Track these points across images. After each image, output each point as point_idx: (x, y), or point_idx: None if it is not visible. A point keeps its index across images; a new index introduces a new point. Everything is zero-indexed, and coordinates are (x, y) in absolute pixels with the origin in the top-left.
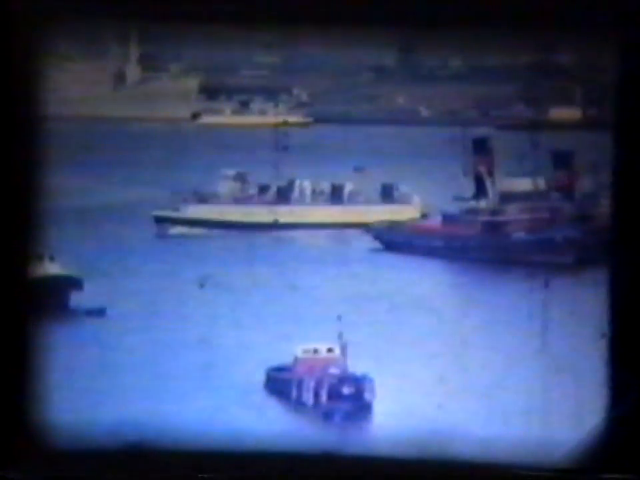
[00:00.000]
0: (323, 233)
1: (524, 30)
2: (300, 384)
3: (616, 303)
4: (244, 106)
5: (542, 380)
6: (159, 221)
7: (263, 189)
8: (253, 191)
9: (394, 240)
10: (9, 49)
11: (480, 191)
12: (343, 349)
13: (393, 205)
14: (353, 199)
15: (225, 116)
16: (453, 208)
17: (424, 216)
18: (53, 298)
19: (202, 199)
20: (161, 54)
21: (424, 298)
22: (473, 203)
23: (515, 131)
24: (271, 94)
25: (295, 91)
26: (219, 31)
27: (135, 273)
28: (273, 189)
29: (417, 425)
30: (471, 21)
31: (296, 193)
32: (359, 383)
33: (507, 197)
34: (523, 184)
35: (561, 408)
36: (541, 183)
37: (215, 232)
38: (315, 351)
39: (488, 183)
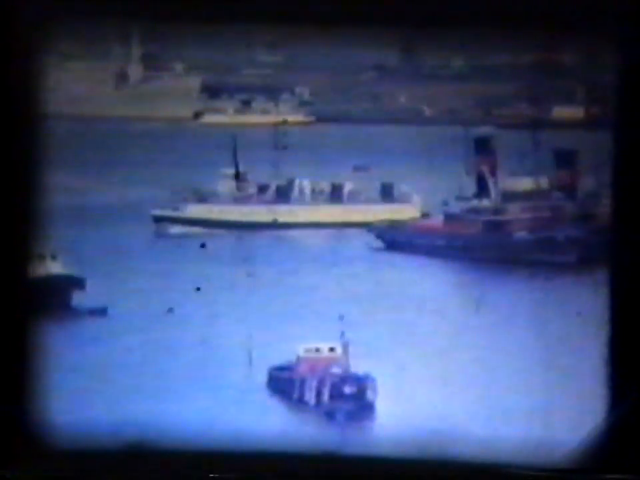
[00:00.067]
0: (323, 232)
1: (526, 29)
2: (302, 383)
3: (618, 303)
4: (246, 105)
5: (542, 380)
6: (158, 220)
7: (262, 188)
8: (252, 190)
9: (395, 239)
10: (9, 48)
11: (482, 190)
12: (345, 348)
13: (393, 204)
14: (353, 198)
15: (227, 115)
16: (455, 207)
17: (424, 215)
18: (54, 297)
19: (201, 198)
20: (163, 53)
21: (426, 297)
22: (475, 202)
23: (517, 130)
24: (272, 93)
25: (297, 90)
26: (220, 30)
27: (136, 273)
28: (272, 188)
29: (418, 425)
30: (473, 19)
31: (295, 193)
32: (361, 383)
33: (509, 196)
34: (525, 183)
35: (562, 408)
36: (544, 182)
37: (215, 231)
38: (317, 350)
39: (490, 182)
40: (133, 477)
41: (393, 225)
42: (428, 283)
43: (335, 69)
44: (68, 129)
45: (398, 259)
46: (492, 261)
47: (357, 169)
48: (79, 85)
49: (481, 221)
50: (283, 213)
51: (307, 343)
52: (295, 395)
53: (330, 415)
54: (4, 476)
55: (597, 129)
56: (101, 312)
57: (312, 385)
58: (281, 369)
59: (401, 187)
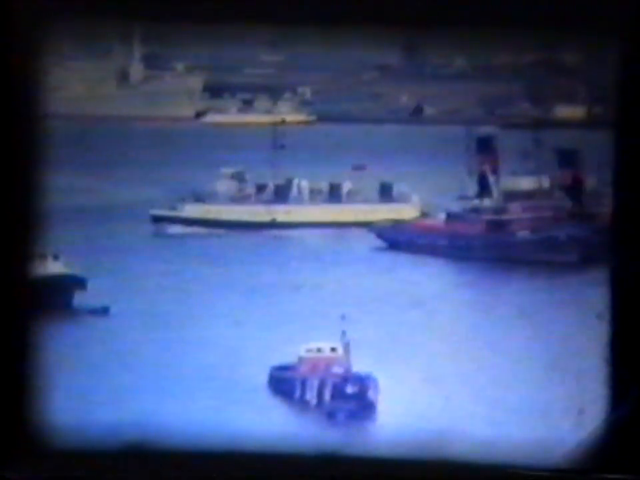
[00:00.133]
0: (325, 232)
1: (528, 28)
2: (303, 383)
3: (619, 302)
4: (248, 104)
5: (543, 380)
6: (156, 220)
7: (261, 188)
8: (250, 189)
9: (397, 239)
10: (12, 47)
11: (484, 190)
12: (347, 348)
13: (392, 204)
14: (352, 198)
15: (229, 114)
16: (456, 206)
17: (424, 215)
18: (56, 297)
19: (199, 197)
20: (164, 53)
21: (427, 297)
22: (476, 202)
23: (519, 130)
24: (274, 92)
25: (299, 90)
26: (222, 30)
27: (138, 272)
28: (271, 188)
29: (418, 425)
30: (475, 19)
31: (294, 192)
32: (363, 382)
33: (510, 196)
34: (527, 182)
35: (562, 408)
36: (545, 182)
37: (216, 231)
38: (319, 350)
39: (492, 182)
40: (132, 477)
41: (395, 225)
42: (430, 283)
43: (336, 68)
44: (70, 128)
45: (400, 258)
46: (494, 260)
47: (355, 168)
48: (80, 84)
49: (482, 220)
50: (281, 212)
51: (309, 343)
52: (297, 395)
53: (331, 415)
54: (4, 476)
55: (599, 128)
56: (102, 312)
57: (313, 384)
58: (282, 368)
59: (400, 187)
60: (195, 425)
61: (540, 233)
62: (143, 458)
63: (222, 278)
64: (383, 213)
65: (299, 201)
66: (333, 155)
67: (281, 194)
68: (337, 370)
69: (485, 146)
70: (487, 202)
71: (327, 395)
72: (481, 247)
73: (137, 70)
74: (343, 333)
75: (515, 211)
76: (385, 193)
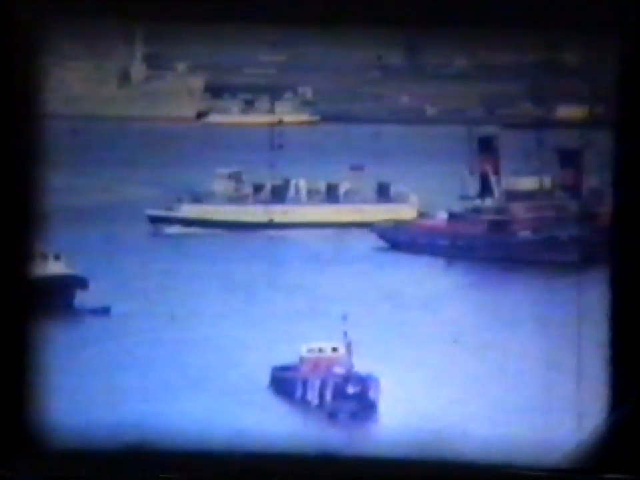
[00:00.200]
0: (324, 232)
1: (530, 28)
2: (305, 383)
3: (620, 302)
4: (249, 104)
5: (543, 380)
6: (153, 220)
7: (258, 188)
8: (247, 190)
9: (399, 239)
10: (12, 47)
11: (485, 190)
12: (348, 348)
13: (390, 204)
14: (349, 198)
15: (231, 115)
16: (458, 207)
17: (422, 215)
18: (57, 297)
19: (196, 198)
20: (165, 52)
21: (429, 297)
22: (478, 202)
23: (521, 130)
24: (275, 93)
25: (300, 90)
26: (223, 30)
27: (138, 273)
28: (268, 188)
29: (419, 425)
30: (477, 19)
31: (291, 192)
32: (364, 383)
33: (512, 196)
34: (529, 182)
35: (562, 408)
36: (547, 182)
37: (214, 231)
38: (320, 350)
39: (493, 182)
40: (132, 477)
41: (396, 225)
42: (431, 283)
43: (337, 68)
44: (70, 128)
45: (401, 258)
46: (496, 261)
47: (353, 168)
48: (81, 84)
49: (484, 220)
50: (279, 212)
51: (310, 343)
52: (298, 395)
53: (333, 415)
54: (4, 476)
55: (602, 128)
56: (103, 312)
57: (315, 384)
58: (284, 369)
59: (398, 187)
60: (195, 425)
61: (542, 232)
62: (143, 458)
63: (222, 278)
64: (380, 213)
65: (297, 201)
66: (332, 156)
67: (279, 194)
68: (339, 370)
69: (486, 146)
70: (488, 202)
71: (329, 395)
72: (483, 247)
73: (138, 70)
74: (345, 333)
75: (517, 211)
76: (383, 193)
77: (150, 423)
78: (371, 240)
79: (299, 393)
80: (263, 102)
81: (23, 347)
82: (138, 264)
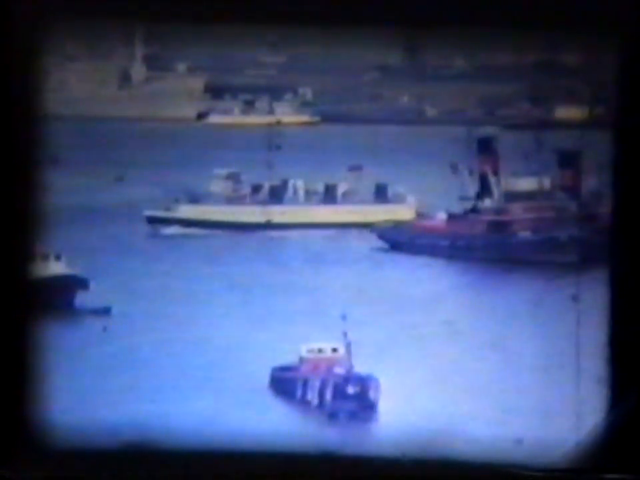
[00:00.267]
0: (323, 232)
1: (529, 29)
2: (305, 383)
3: (619, 302)
4: (249, 105)
5: (542, 380)
6: (151, 221)
7: (256, 189)
8: (245, 190)
9: (398, 239)
10: (14, 48)
11: (485, 191)
12: (348, 348)
13: (387, 204)
14: (348, 198)
15: (231, 115)
16: (457, 207)
17: (419, 215)
18: (58, 297)
19: (194, 198)
20: (166, 53)
21: (428, 297)
22: (477, 203)
23: (520, 130)
24: (275, 93)
25: (300, 91)
26: (223, 31)
27: (139, 273)
28: (266, 189)
29: (419, 425)
30: (476, 20)
31: (289, 193)
32: (364, 383)
33: (511, 197)
34: (528, 183)
35: (561, 408)
36: (546, 183)
37: (213, 231)
38: (320, 350)
39: (493, 183)
40: (132, 477)
41: (396, 226)
42: (431, 283)
43: (337, 69)
44: (72, 129)
45: (401, 259)
46: (494, 261)
47: (352, 169)
48: (82, 85)
49: (483, 220)
50: (277, 213)
51: (310, 344)
52: (298, 395)
53: (333, 415)
54: (4, 476)
55: (600, 129)
56: (104, 312)
57: (315, 385)
58: (284, 369)
59: (396, 188)
60: (195, 425)
61: (541, 233)
62: (143, 458)
63: (222, 278)
64: (378, 213)
65: (295, 201)
66: (331, 156)
67: (277, 195)
68: (338, 370)
69: (485, 147)
70: (487, 202)
71: (329, 395)
72: (482, 248)
73: (138, 71)
74: (344, 333)
75: (516, 211)
76: (381, 194)
77: (150, 423)
78: (371, 240)
79: (299, 393)
80: (263, 103)
81: (24, 347)
82: (138, 264)
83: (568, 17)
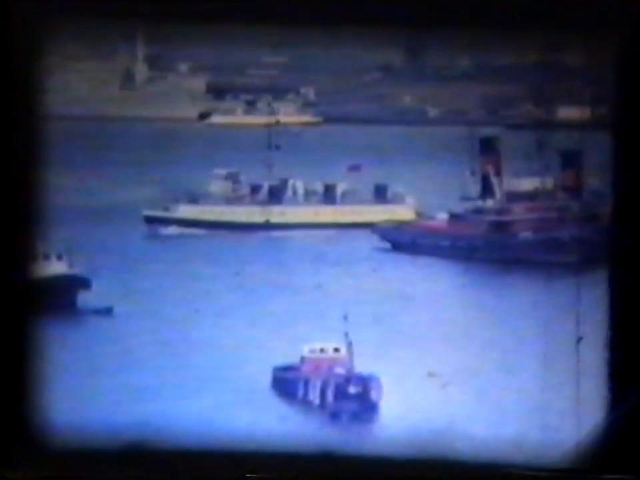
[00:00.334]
0: (324, 232)
1: (531, 29)
2: (306, 383)
3: (619, 302)
4: (251, 105)
5: (542, 380)
6: (150, 221)
7: (255, 189)
8: (245, 190)
9: (400, 239)
10: (15, 48)
11: (487, 191)
12: (349, 348)
13: (387, 205)
14: (347, 198)
15: (234, 116)
16: (459, 207)
17: (419, 215)
18: (60, 297)
19: (193, 198)
20: (168, 53)
21: (430, 297)
22: (479, 203)
23: (522, 131)
24: (277, 94)
25: (302, 91)
26: (226, 31)
27: (139, 273)
28: (265, 189)
29: (419, 425)
30: (479, 20)
31: (288, 193)
32: (366, 383)
33: (513, 197)
34: (530, 183)
35: (561, 408)
36: (549, 183)
37: (213, 231)
38: (322, 350)
39: (495, 183)
40: (132, 477)
41: (398, 225)
42: (432, 283)
43: (339, 69)
44: (75, 129)
45: (402, 259)
46: (496, 261)
47: (351, 169)
48: (83, 85)
49: (485, 221)
50: (276, 213)
51: (311, 343)
52: (299, 395)
53: (334, 415)
54: (4, 476)
55: (603, 129)
56: (106, 312)
57: (316, 385)
58: (285, 369)
59: (396, 188)
60: (196, 425)
61: (543, 233)
62: (143, 458)
63: (222, 278)
64: (378, 214)
65: (294, 201)
66: (331, 156)
67: (276, 195)
68: (340, 370)
69: (487, 147)
70: (489, 203)
71: (330, 395)
72: (484, 248)
73: (140, 71)
74: (346, 333)
75: (518, 211)
76: (380, 194)
77: (150, 423)
78: (372, 240)
79: (300, 393)
80: (265, 103)
81: (24, 347)
82: (138, 264)
83: (570, 17)
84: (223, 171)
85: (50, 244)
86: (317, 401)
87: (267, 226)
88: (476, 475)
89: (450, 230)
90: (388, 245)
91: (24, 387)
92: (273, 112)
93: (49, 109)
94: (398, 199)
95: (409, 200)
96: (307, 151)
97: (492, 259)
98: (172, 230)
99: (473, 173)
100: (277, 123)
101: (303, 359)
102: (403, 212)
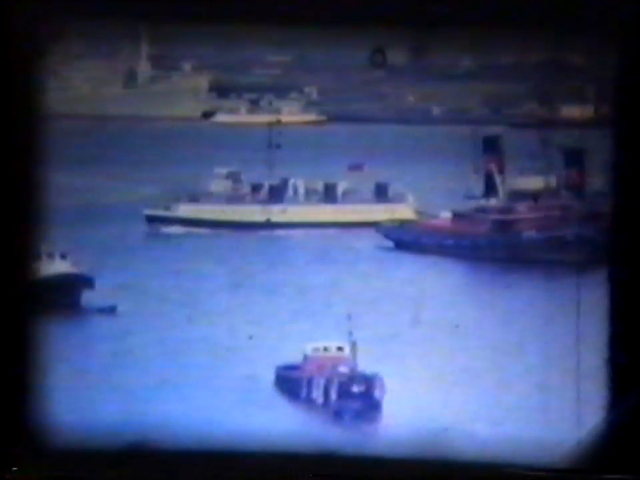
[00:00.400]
0: (330, 231)
1: (535, 28)
2: (310, 382)
3: (621, 302)
4: (254, 104)
5: (543, 380)
6: (151, 220)
7: (256, 188)
8: (245, 189)
9: (403, 238)
10: (18, 47)
11: (490, 189)
12: (353, 347)
13: (388, 204)
14: (348, 197)
15: (237, 115)
16: (461, 206)
17: (419, 214)
18: (63, 296)
19: (194, 197)
20: (171, 53)
21: (433, 296)
22: (483, 202)
23: (526, 129)
24: (281, 92)
25: (306, 90)
26: (229, 30)
27: (141, 272)
28: (266, 188)
29: (420, 425)
30: (482, 19)
31: (289, 192)
32: (369, 382)
33: (517, 195)
34: (534, 182)
35: (561, 408)
36: (552, 181)
37: (215, 230)
38: (325, 349)
39: (498, 181)
40: (133, 477)
41: (401, 224)
42: (436, 283)
43: (343, 68)
44: (78, 128)
45: (406, 258)
46: (500, 260)
47: (352, 168)
48: (86, 84)
49: (488, 220)
50: (276, 212)
51: (315, 342)
52: (303, 394)
53: (337, 414)
54: (4, 476)
55: (606, 128)
56: (110, 310)
57: (320, 383)
58: (289, 367)
59: (397, 187)
60: (199, 424)
61: (546, 232)
62: (144, 458)
63: (226, 278)
64: (378, 213)
65: (294, 201)
66: (333, 155)
67: (277, 194)
68: (343, 369)
69: (491, 145)
70: (493, 201)
71: (333, 394)
72: (487, 247)
73: (143, 70)
74: (349, 332)
75: (521, 210)
76: (381, 193)
77: (151, 423)
78: (376, 239)
79: (303, 391)
80: (269, 102)
81: (25, 346)
82: (139, 264)
83: (574, 16)
84: (223, 170)
85: (53, 243)
86: (320, 400)
87: (268, 225)
88: (476, 474)
89: (453, 229)
90: (391, 244)
91: (25, 386)
92: (277, 110)
93: (52, 108)
94: (399, 198)
95: (410, 199)
96: (308, 150)
97: (495, 258)
98: (173, 229)
99: (476, 172)
100: (278, 122)
101: (306, 358)
102: (403, 211)
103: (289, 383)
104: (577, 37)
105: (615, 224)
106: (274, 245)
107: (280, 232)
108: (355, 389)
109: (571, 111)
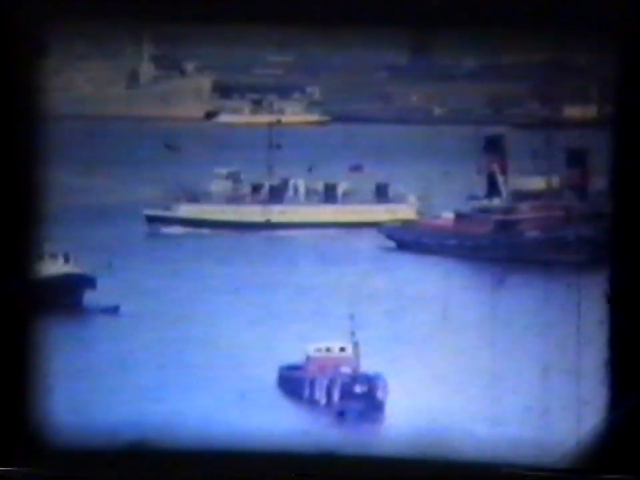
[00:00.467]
0: (331, 231)
1: (538, 28)
2: (312, 383)
3: (621, 302)
4: (257, 105)
5: (543, 380)
6: (151, 220)
7: (256, 188)
8: (246, 190)
9: (405, 238)
10: (21, 47)
11: (493, 190)
12: (356, 347)
13: (388, 204)
14: (348, 198)
15: (239, 115)
16: (464, 206)
17: (421, 214)
18: (66, 296)
19: (193, 198)
20: (173, 53)
21: (436, 297)
22: (485, 202)
23: (529, 129)
24: (283, 93)
25: (308, 90)
26: (232, 30)
27: (142, 272)
28: (266, 188)
29: (420, 425)
30: (485, 19)
31: (289, 192)
32: (372, 382)
33: (519, 196)
34: (537, 182)
35: (561, 408)
36: (555, 182)
37: (216, 231)
38: (328, 349)
39: (501, 182)
40: (133, 477)
41: (403, 225)
42: (438, 283)
43: (345, 69)
44: (80, 128)
45: (408, 258)
46: (502, 260)
47: (353, 169)
48: (89, 84)
49: (491, 220)
50: (276, 213)
51: (317, 343)
52: (305, 395)
53: (340, 415)
54: (4, 476)
55: (608, 128)
56: (113, 310)
57: (322, 384)
58: (291, 368)
59: (397, 187)
60: (200, 424)
61: (549, 232)
62: (143, 458)
63: (226, 278)
64: (379, 213)
65: (295, 201)
66: (334, 156)
67: (277, 194)
68: (346, 369)
69: (493, 146)
70: (495, 202)
71: (336, 395)
72: (490, 247)
73: (146, 70)
74: (352, 332)
75: (524, 210)
76: (381, 193)
77: (151, 423)
78: (377, 239)
79: (306, 392)
80: (271, 102)
81: (30, 346)
82: (141, 264)
83: (576, 16)
84: (223, 170)
85: (55, 243)
86: (322, 401)
87: (268, 225)
88: (476, 474)
89: (456, 229)
90: (393, 244)
91: (26, 387)
92: (280, 111)
93: (54, 108)
94: (400, 199)
95: (411, 199)
96: (309, 151)
97: (498, 258)
98: (173, 229)
99: (478, 172)
100: (279, 122)
101: (308, 359)
102: (404, 211)
103: (292, 383)
104: (580, 37)
105: (618, 224)
106: (274, 245)
107: (280, 232)
108: (358, 389)
109: (574, 111)
